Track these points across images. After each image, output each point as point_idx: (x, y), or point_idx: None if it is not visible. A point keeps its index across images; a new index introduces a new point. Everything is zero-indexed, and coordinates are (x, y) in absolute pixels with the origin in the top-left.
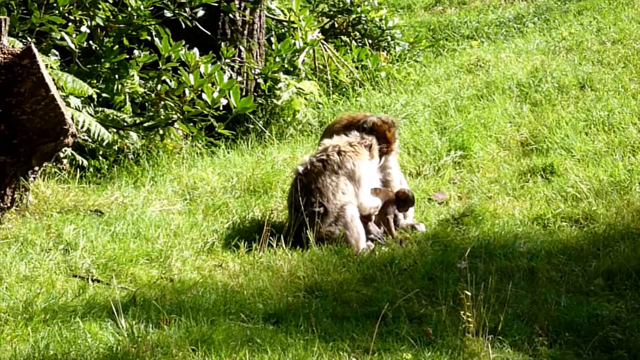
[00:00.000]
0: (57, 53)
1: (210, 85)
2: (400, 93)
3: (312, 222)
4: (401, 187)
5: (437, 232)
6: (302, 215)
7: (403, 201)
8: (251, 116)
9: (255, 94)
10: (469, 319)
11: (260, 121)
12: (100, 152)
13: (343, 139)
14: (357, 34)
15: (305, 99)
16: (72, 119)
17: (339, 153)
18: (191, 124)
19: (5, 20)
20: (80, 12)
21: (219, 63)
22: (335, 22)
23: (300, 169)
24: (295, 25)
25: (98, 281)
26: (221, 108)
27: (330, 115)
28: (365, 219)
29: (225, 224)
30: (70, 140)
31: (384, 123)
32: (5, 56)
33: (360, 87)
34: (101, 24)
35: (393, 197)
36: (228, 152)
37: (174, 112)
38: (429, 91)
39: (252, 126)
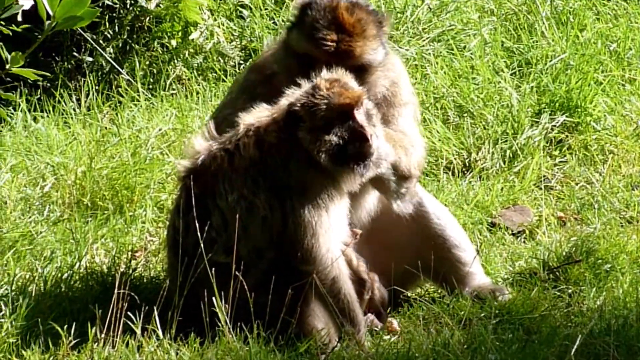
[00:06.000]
0: None
1: None
2: None
3: (222, 281)
4: None
5: (509, 299)
6: (202, 266)
7: None
8: (87, 36)
9: None
10: None
11: (109, 48)
12: None
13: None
14: None
15: None
16: None
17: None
18: None
19: None
20: None
21: None
22: None
23: (185, 165)
24: None
25: None
26: (20, 18)
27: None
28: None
29: (28, 284)
30: None
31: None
32: None
33: None
34: None
35: None
36: (34, 119)
37: None
38: None
39: (89, 60)
